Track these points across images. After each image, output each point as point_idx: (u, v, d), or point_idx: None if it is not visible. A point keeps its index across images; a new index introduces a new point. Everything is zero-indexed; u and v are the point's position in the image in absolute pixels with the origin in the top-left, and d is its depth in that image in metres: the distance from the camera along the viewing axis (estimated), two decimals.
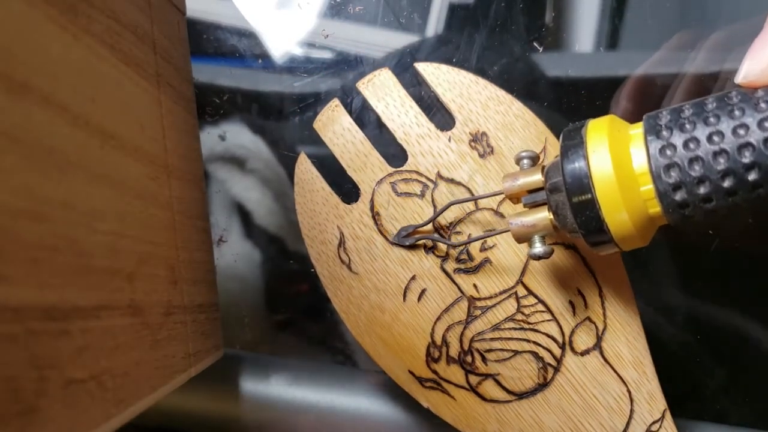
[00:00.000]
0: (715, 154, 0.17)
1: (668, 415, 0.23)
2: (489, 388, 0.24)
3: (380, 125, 0.25)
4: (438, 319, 0.24)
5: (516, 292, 0.24)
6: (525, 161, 0.21)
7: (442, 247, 0.24)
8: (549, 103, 0.27)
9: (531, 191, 0.20)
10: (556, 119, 0.27)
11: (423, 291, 0.24)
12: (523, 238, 0.20)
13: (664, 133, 0.17)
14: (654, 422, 0.23)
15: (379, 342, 0.24)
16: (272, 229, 0.29)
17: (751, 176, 0.16)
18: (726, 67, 0.26)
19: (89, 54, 0.17)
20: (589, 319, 0.23)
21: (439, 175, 0.24)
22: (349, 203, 0.24)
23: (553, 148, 0.24)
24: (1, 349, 0.13)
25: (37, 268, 0.14)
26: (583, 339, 0.23)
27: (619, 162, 0.18)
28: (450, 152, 0.24)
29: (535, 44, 0.28)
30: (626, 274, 0.24)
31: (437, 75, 0.24)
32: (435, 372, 0.24)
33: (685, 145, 0.17)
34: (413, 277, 0.24)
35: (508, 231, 0.20)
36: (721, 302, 0.28)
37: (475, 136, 0.24)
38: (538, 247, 0.20)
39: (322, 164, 0.25)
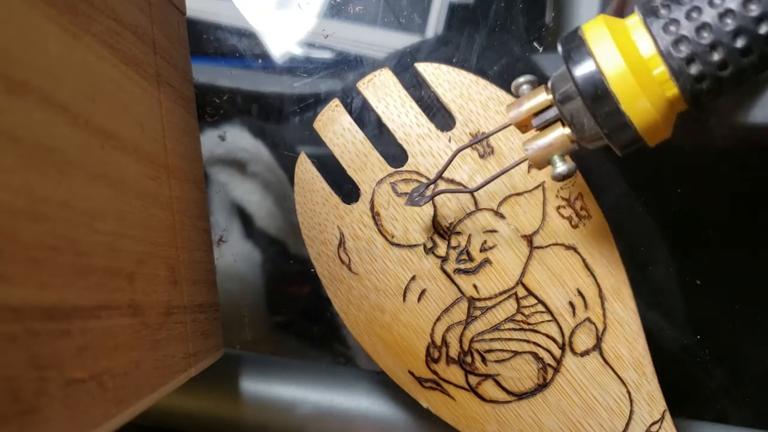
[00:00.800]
0: (721, 16, 0.16)
1: (668, 416, 0.23)
2: (489, 389, 0.24)
3: (380, 125, 0.25)
4: (438, 319, 0.24)
5: (516, 293, 0.24)
6: (524, 87, 0.21)
7: (442, 247, 0.24)
8: None
9: (537, 114, 0.20)
10: None
11: (423, 291, 0.24)
12: (543, 161, 0.20)
13: (662, 11, 0.17)
14: (654, 423, 0.23)
15: (378, 342, 0.24)
16: (273, 231, 0.29)
17: (763, 29, 0.16)
18: None
19: (89, 54, 0.17)
20: (588, 319, 0.23)
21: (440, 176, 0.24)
22: (349, 203, 0.24)
23: None
24: (1, 349, 0.13)
25: (37, 268, 0.14)
26: (583, 340, 0.23)
27: (626, 51, 0.17)
28: (450, 152, 0.24)
29: (535, 44, 0.28)
30: (626, 275, 0.24)
31: (437, 75, 0.24)
32: (435, 372, 0.24)
33: (688, 15, 0.16)
34: (413, 278, 0.24)
35: (526, 160, 0.20)
36: (721, 302, 0.28)
37: (476, 136, 0.24)
38: (560, 166, 0.19)
39: (322, 164, 0.25)
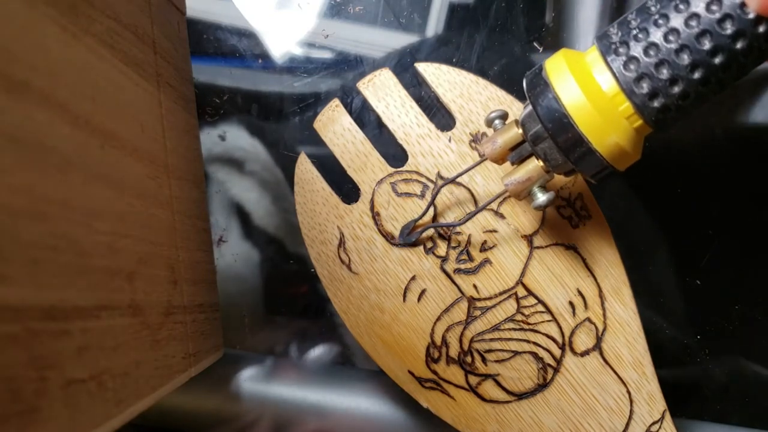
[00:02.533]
0: (677, 52, 0.17)
1: (668, 416, 0.23)
2: (489, 389, 0.24)
3: (380, 125, 0.25)
4: (438, 319, 0.24)
5: (516, 293, 0.24)
6: (497, 122, 0.21)
7: (442, 247, 0.24)
8: None
9: (512, 148, 0.20)
10: None
11: (423, 291, 0.24)
12: (523, 193, 0.20)
13: (621, 49, 0.18)
14: (654, 423, 0.23)
15: (378, 342, 0.24)
16: (271, 230, 0.29)
17: (717, 60, 0.17)
18: None
19: (89, 54, 0.17)
20: (588, 319, 0.23)
21: (440, 176, 0.24)
22: (349, 203, 0.24)
23: None
24: (1, 349, 0.13)
25: (37, 268, 0.14)
26: (583, 340, 0.23)
27: (589, 90, 0.18)
28: (450, 152, 0.24)
29: (535, 44, 0.28)
30: (626, 275, 0.24)
31: (438, 75, 0.24)
32: (435, 372, 0.24)
33: (645, 52, 0.17)
34: (413, 278, 0.24)
35: (506, 193, 0.20)
36: (721, 302, 0.28)
37: (476, 136, 0.24)
38: (540, 197, 0.20)
39: (322, 164, 0.25)
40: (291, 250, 0.29)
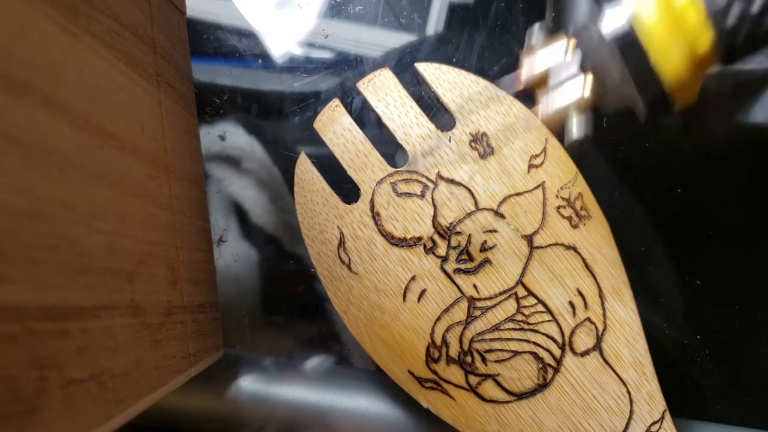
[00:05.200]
0: None
1: (668, 416, 0.23)
2: (489, 389, 0.24)
3: (380, 125, 0.25)
4: (438, 319, 0.24)
5: (516, 293, 0.24)
6: (537, 33, 0.19)
7: (442, 247, 0.24)
8: None
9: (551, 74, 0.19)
10: None
11: (423, 291, 0.24)
12: (557, 122, 0.18)
13: None
14: (654, 423, 0.23)
15: (378, 342, 0.24)
16: (269, 228, 0.29)
17: None
18: None
19: (89, 54, 0.17)
20: (588, 319, 0.23)
21: (440, 176, 0.24)
22: (349, 203, 0.24)
23: (554, 149, 0.24)
24: (1, 349, 0.13)
25: (37, 268, 0.14)
26: (583, 340, 0.23)
27: (662, 3, 0.16)
28: (450, 153, 0.24)
29: None
30: (626, 275, 0.24)
31: (438, 75, 0.24)
32: (435, 372, 0.24)
33: None
34: (413, 278, 0.24)
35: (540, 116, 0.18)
36: (721, 303, 0.28)
37: (476, 136, 0.24)
38: (576, 129, 0.18)
39: (322, 164, 0.25)
40: (289, 250, 0.29)
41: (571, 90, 0.18)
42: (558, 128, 0.18)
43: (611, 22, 0.17)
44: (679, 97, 0.17)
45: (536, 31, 0.19)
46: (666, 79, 0.17)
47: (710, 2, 0.16)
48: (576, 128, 0.18)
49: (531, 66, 0.18)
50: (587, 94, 0.18)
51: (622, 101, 0.18)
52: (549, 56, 0.18)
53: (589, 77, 0.18)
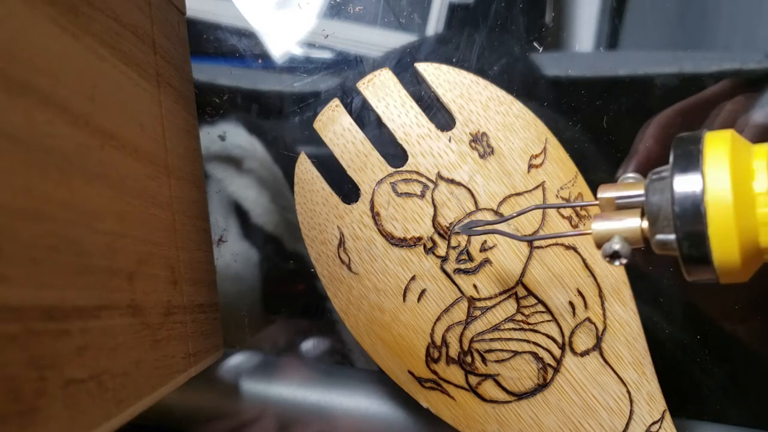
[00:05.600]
0: None
1: (668, 416, 0.23)
2: (488, 389, 0.24)
3: (380, 125, 0.25)
4: (438, 319, 0.24)
5: (516, 293, 0.24)
6: (630, 179, 0.19)
7: (442, 247, 0.24)
8: (549, 103, 0.27)
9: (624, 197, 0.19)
10: (556, 119, 0.27)
11: (423, 291, 0.24)
12: (604, 237, 0.18)
13: None
14: (653, 423, 0.23)
15: (378, 342, 0.24)
16: (269, 228, 0.29)
17: None
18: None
19: (89, 54, 0.17)
20: (588, 319, 0.23)
21: (440, 176, 0.24)
22: (349, 203, 0.24)
23: (554, 148, 0.24)
24: (1, 349, 0.13)
25: (37, 268, 0.14)
26: (583, 340, 0.23)
27: (739, 179, 0.16)
28: (450, 152, 0.24)
29: (535, 44, 0.28)
30: (626, 275, 0.24)
31: (438, 75, 0.24)
32: (434, 372, 0.24)
33: None
34: (413, 278, 0.24)
35: (589, 233, 0.18)
36: (721, 302, 0.28)
37: (476, 136, 0.24)
38: (618, 243, 0.18)
39: (322, 164, 0.25)
40: (289, 249, 0.29)
41: (627, 221, 0.18)
42: (602, 241, 0.18)
43: (684, 184, 0.16)
44: (725, 278, 0.17)
45: (627, 177, 0.19)
46: (716, 262, 0.16)
47: None
48: (616, 243, 0.18)
49: (605, 191, 0.19)
50: (637, 230, 0.18)
51: (666, 253, 0.18)
52: (624, 191, 0.19)
53: (645, 220, 0.18)
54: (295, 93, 0.28)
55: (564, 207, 0.23)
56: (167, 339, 0.21)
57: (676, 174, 0.17)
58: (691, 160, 0.16)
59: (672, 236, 0.17)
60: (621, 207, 0.19)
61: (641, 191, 0.18)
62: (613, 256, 0.18)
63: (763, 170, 0.16)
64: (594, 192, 0.24)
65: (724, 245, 0.16)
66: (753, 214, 0.16)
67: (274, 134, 0.29)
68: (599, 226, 0.18)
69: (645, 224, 0.18)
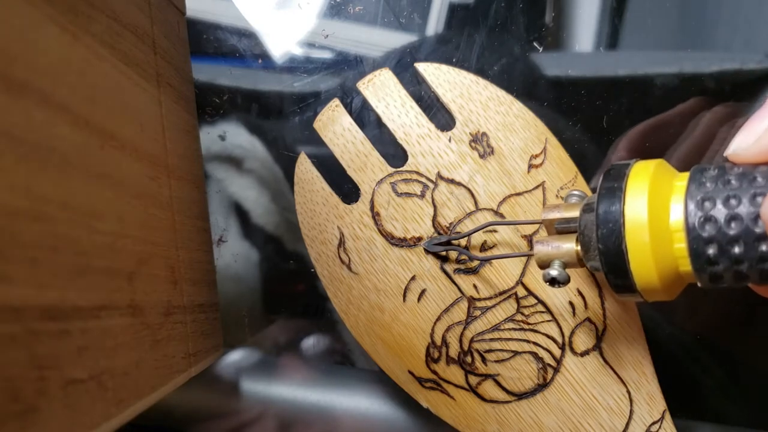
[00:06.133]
0: (759, 240, 0.16)
1: (668, 416, 0.23)
2: (488, 389, 0.24)
3: (380, 125, 0.25)
4: (438, 319, 0.24)
5: (516, 293, 0.24)
6: (573, 198, 0.21)
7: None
8: (549, 103, 0.27)
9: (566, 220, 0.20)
10: (556, 119, 0.27)
11: (423, 291, 0.24)
12: (545, 261, 0.20)
13: (708, 184, 0.17)
14: (653, 423, 0.23)
15: (378, 342, 0.24)
16: (269, 228, 0.29)
17: None
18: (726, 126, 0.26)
19: (89, 54, 0.17)
20: (588, 319, 0.23)
21: (440, 176, 0.24)
22: (349, 203, 0.24)
23: (553, 148, 0.24)
24: (1, 349, 0.13)
25: (37, 268, 0.14)
26: (583, 340, 0.23)
27: (656, 214, 0.17)
28: (450, 152, 0.24)
29: (535, 44, 0.28)
30: None
31: (438, 75, 0.24)
32: (435, 372, 0.24)
33: (726, 201, 0.16)
34: (413, 278, 0.24)
35: (531, 255, 0.20)
36: (721, 302, 0.28)
37: (476, 136, 0.24)
38: (555, 271, 0.19)
39: (322, 164, 0.25)
40: (290, 249, 0.29)
41: (565, 245, 0.19)
42: (544, 264, 0.20)
43: (606, 213, 0.18)
44: (648, 296, 0.18)
45: (572, 195, 0.21)
46: (638, 286, 0.18)
47: (692, 231, 0.17)
48: (555, 269, 0.19)
49: (549, 211, 0.20)
50: (573, 255, 0.19)
51: (597, 271, 0.19)
52: (564, 213, 0.20)
53: (578, 245, 0.19)
54: (295, 93, 0.28)
55: (512, 224, 0.23)
56: (167, 339, 0.21)
57: (601, 204, 0.18)
58: (616, 191, 0.18)
59: (599, 263, 0.18)
60: (560, 231, 0.20)
61: (577, 215, 0.19)
62: (552, 282, 0.19)
63: (678, 204, 0.17)
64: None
65: (644, 274, 0.17)
66: (671, 248, 0.17)
67: (274, 134, 0.29)
68: (540, 249, 0.20)
69: (579, 249, 0.19)
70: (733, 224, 0.16)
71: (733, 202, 0.16)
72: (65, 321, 0.15)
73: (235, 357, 0.28)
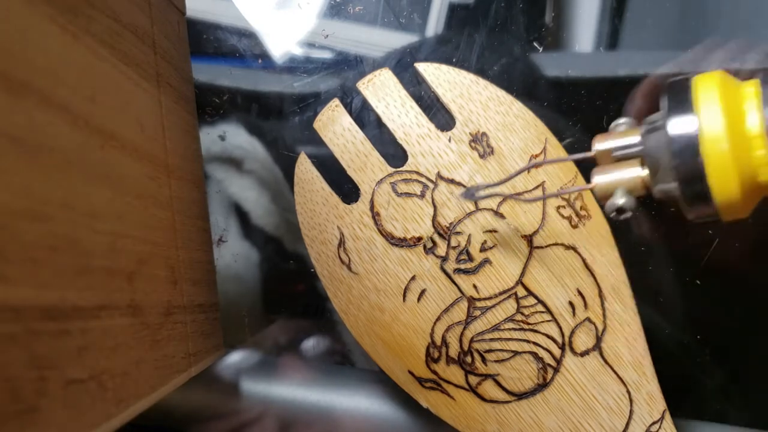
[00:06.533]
0: None
1: (668, 416, 0.23)
2: (488, 389, 0.24)
3: (380, 125, 0.25)
4: (438, 319, 0.24)
5: (516, 293, 0.24)
6: (621, 126, 0.19)
7: (442, 247, 0.24)
8: (549, 103, 0.27)
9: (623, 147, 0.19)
10: (556, 119, 0.27)
11: (423, 291, 0.24)
12: (607, 192, 0.18)
13: None
14: (653, 423, 0.23)
15: (378, 342, 0.24)
16: (270, 229, 0.29)
17: None
18: (746, 65, 0.26)
19: (89, 54, 0.17)
20: (588, 319, 0.23)
21: (440, 176, 0.24)
22: (349, 203, 0.24)
23: (553, 148, 0.24)
24: (1, 349, 0.13)
25: (37, 268, 0.14)
26: (583, 339, 0.23)
27: (732, 122, 0.16)
28: (450, 152, 0.24)
29: (535, 44, 0.28)
30: (626, 275, 0.24)
31: (438, 75, 0.24)
32: (434, 372, 0.24)
33: None
34: (413, 278, 0.24)
35: (591, 188, 0.18)
36: (721, 302, 0.28)
37: (476, 136, 0.24)
38: (620, 198, 0.18)
39: (322, 164, 0.25)
40: (290, 249, 0.29)
41: (627, 171, 0.18)
42: (606, 196, 0.19)
43: (678, 126, 0.17)
44: (727, 215, 0.17)
45: (619, 124, 0.20)
46: (717, 200, 0.17)
47: None
48: (618, 197, 0.18)
49: (601, 142, 0.19)
50: (638, 180, 0.18)
51: (669, 199, 0.18)
52: (619, 141, 0.19)
53: (645, 169, 0.18)
54: (295, 93, 0.28)
55: (559, 161, 0.23)
56: (167, 339, 0.21)
57: (671, 118, 0.17)
58: (684, 104, 0.17)
59: (674, 184, 0.17)
60: (619, 159, 0.19)
61: (637, 139, 0.18)
62: (619, 211, 0.18)
63: (753, 110, 0.16)
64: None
65: (724, 185, 0.16)
66: (749, 156, 0.16)
67: (274, 134, 0.29)
68: (601, 179, 0.18)
69: (645, 173, 0.18)
70: None
71: None
72: (65, 321, 0.15)
73: (236, 357, 0.29)
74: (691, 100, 0.17)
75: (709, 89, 0.17)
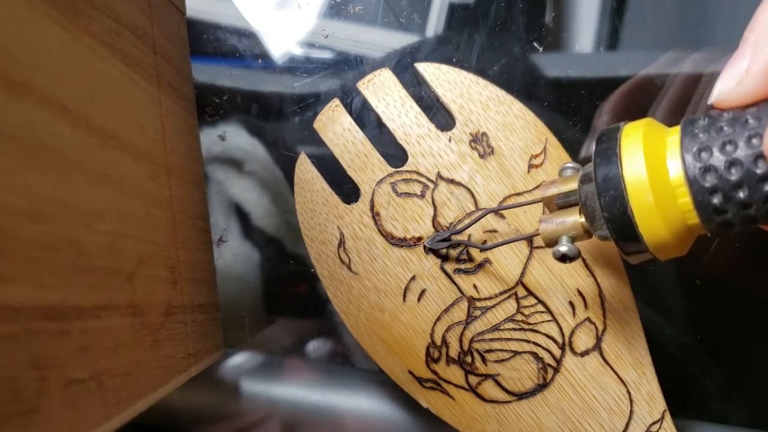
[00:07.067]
0: (756, 158, 0.16)
1: (668, 416, 0.23)
2: (489, 389, 0.24)
3: (380, 125, 0.25)
4: (438, 319, 0.24)
5: (516, 293, 0.24)
6: (568, 171, 0.21)
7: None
8: (549, 103, 0.27)
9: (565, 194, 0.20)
10: (556, 119, 0.27)
11: (423, 291, 0.24)
12: (552, 238, 0.19)
13: (701, 136, 0.16)
14: (653, 423, 0.23)
15: (378, 342, 0.24)
16: (270, 230, 0.29)
17: None
18: (708, 71, 0.27)
19: (89, 54, 0.17)
20: (588, 319, 0.23)
21: (440, 176, 0.24)
22: (349, 203, 0.24)
23: (554, 148, 0.24)
24: (1, 349, 0.13)
25: (37, 268, 0.14)
26: (583, 340, 0.23)
27: (655, 172, 0.17)
28: (450, 152, 0.24)
29: (535, 44, 0.28)
30: (626, 275, 0.24)
31: (438, 75, 0.24)
32: (435, 372, 0.24)
33: (722, 148, 0.16)
34: (413, 278, 0.24)
35: (537, 235, 0.20)
36: (721, 302, 0.28)
37: (476, 136, 0.24)
38: (564, 246, 0.19)
39: (322, 164, 0.25)
40: (290, 250, 0.29)
41: (569, 219, 0.19)
42: (551, 242, 0.20)
43: (605, 179, 0.18)
44: (661, 255, 0.18)
45: (566, 168, 0.21)
46: (650, 246, 0.18)
47: (695, 183, 0.16)
48: (563, 244, 0.19)
49: (545, 189, 0.20)
50: (579, 227, 0.19)
51: (606, 240, 0.19)
52: (561, 187, 0.20)
53: (582, 217, 0.19)
54: (295, 93, 0.28)
55: (509, 208, 0.23)
56: (167, 339, 0.21)
57: (599, 170, 0.18)
58: (611, 156, 0.17)
59: (607, 231, 0.18)
60: (561, 206, 0.20)
61: (576, 187, 0.19)
62: (563, 259, 0.19)
63: (676, 159, 0.17)
64: None
65: (654, 233, 0.17)
66: (675, 204, 0.17)
67: (274, 135, 0.29)
68: (545, 227, 0.19)
69: (584, 220, 0.19)
70: (733, 170, 0.16)
71: (729, 148, 0.16)
72: (65, 321, 0.15)
73: (239, 359, 0.29)
74: (617, 152, 0.17)
75: (633, 141, 0.17)
